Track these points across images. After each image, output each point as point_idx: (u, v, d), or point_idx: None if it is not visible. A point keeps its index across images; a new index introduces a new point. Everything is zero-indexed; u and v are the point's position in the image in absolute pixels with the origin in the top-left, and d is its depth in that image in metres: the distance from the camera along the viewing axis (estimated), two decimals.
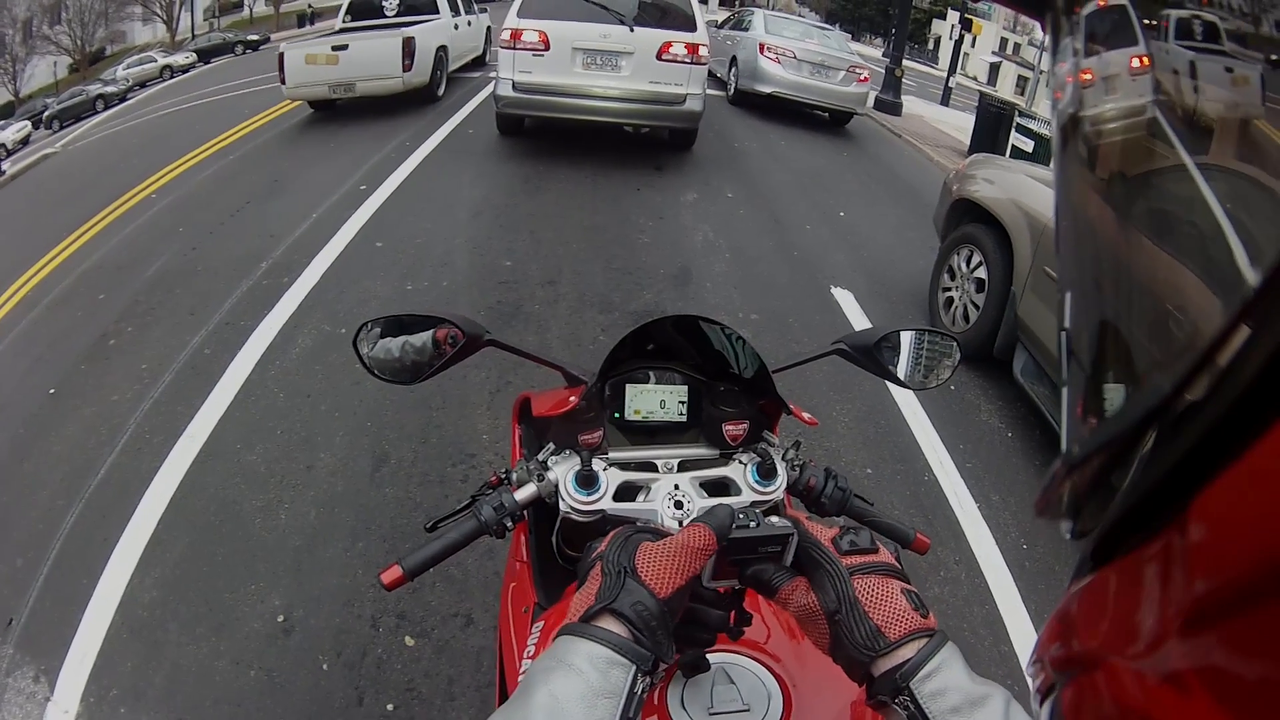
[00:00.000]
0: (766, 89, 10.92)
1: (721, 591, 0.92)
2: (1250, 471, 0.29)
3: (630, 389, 1.36)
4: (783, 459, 1.29)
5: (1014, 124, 11.04)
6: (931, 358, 1.41)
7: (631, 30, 7.25)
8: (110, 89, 25.92)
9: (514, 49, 7.23)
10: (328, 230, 6.02)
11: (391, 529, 3.17)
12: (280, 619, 2.79)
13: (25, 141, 22.21)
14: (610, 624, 0.73)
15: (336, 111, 10.23)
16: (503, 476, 1.28)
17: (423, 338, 1.28)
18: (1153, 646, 0.35)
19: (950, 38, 35.41)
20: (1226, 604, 0.30)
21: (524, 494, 1.18)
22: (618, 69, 7.36)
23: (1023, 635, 3.04)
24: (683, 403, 1.37)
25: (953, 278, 5.15)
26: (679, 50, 7.32)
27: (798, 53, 10.83)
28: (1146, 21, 0.48)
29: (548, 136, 8.51)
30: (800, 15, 11.55)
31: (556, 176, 7.53)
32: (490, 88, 8.59)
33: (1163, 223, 0.48)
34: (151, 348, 4.56)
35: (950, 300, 5.15)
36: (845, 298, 5.69)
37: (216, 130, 9.80)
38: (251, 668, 2.62)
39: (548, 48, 7.20)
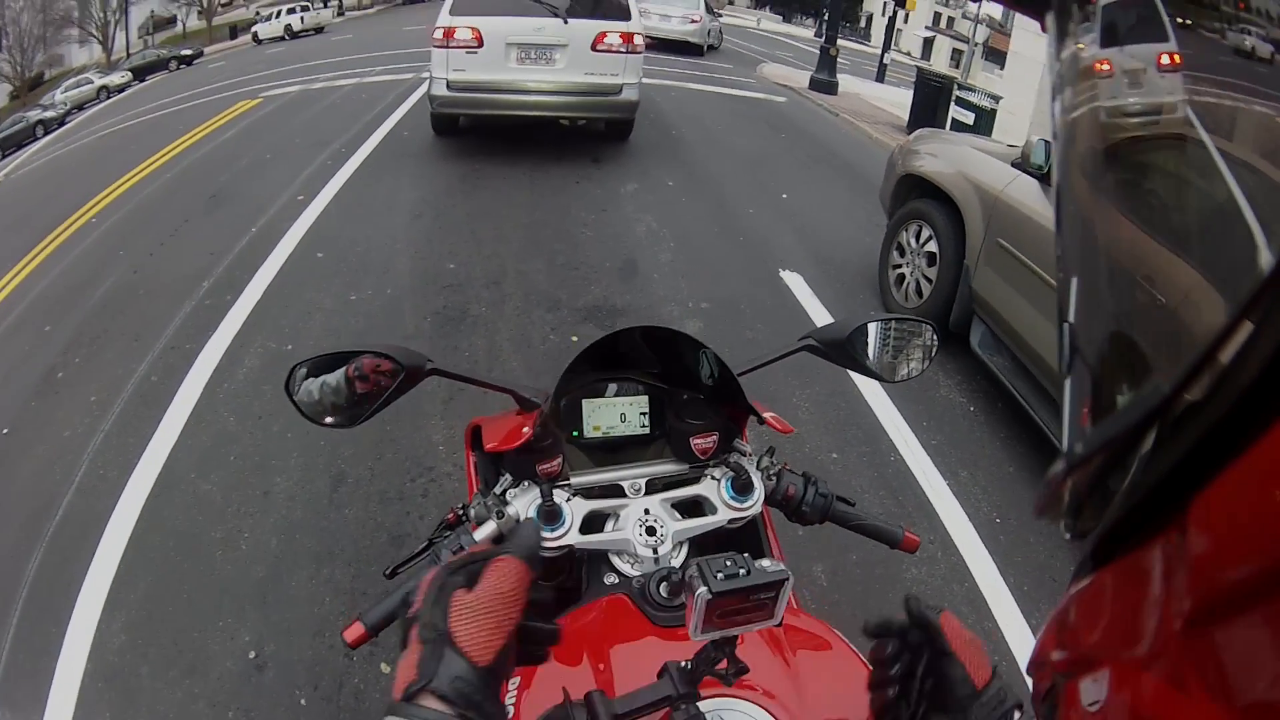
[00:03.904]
0: None
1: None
2: (1251, 471, 0.29)
3: (587, 404, 1.30)
4: (757, 468, 1.25)
5: (953, 97, 11.10)
6: (899, 342, 1.33)
7: (565, 22, 7.17)
8: (49, 114, 24.86)
9: (447, 47, 7.11)
10: (268, 244, 5.89)
11: (355, 552, 3.10)
12: (252, 655, 2.72)
13: None
14: (433, 702, 0.65)
15: (270, 121, 10.23)
16: (460, 514, 1.23)
17: (336, 376, 1.14)
18: (1153, 647, 0.35)
19: (883, 15, 35.73)
20: (1227, 604, 0.30)
21: (483, 533, 1.12)
22: (552, 62, 7.30)
23: (1004, 610, 3.05)
24: (644, 414, 1.31)
25: (902, 254, 5.11)
26: (614, 40, 7.27)
27: (652, 6, 17.37)
28: (1179, 20, 0.46)
29: (483, 134, 8.43)
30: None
31: (494, 174, 7.47)
32: (423, 88, 8.46)
33: (1175, 216, 0.47)
34: (99, 378, 4.42)
35: (901, 277, 5.12)
36: (795, 280, 5.67)
37: (153, 148, 9.52)
38: (229, 709, 2.54)
39: (481, 44, 7.10)
